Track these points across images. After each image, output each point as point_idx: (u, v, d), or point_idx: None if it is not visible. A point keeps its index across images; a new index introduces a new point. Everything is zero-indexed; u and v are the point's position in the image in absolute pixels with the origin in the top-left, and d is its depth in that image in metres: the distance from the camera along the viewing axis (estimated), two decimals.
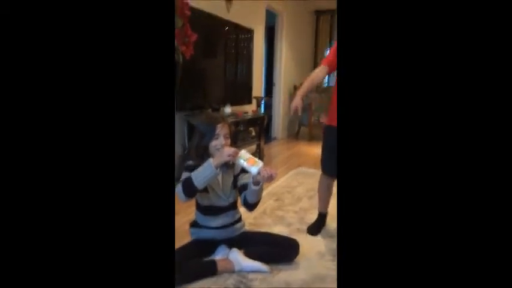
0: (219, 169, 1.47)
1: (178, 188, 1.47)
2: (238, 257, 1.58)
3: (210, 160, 1.45)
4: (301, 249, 1.73)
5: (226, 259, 1.59)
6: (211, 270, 1.54)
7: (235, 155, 1.46)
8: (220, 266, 1.56)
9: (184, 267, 1.48)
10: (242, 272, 1.56)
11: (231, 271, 1.57)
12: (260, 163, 1.47)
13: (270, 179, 1.48)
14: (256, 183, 1.52)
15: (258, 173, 1.45)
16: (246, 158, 1.47)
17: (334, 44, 1.85)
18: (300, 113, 1.82)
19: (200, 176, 1.44)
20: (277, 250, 1.68)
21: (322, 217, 2.13)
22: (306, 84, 1.86)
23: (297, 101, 1.82)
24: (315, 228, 2.06)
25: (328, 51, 1.91)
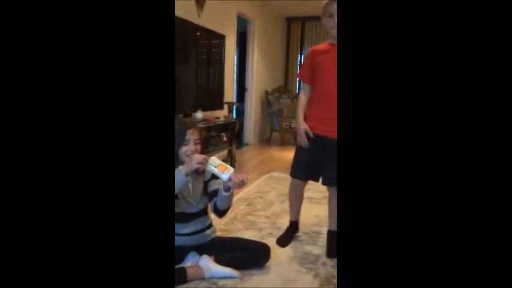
0: (189, 176, 1.45)
1: None
2: (208, 264, 1.57)
3: (180, 168, 1.43)
4: (273, 253, 1.73)
5: (196, 266, 1.57)
6: (181, 278, 1.51)
7: (204, 162, 1.44)
8: (190, 274, 1.53)
9: None
10: (213, 279, 1.55)
11: (201, 278, 1.55)
12: (231, 169, 1.46)
13: (241, 185, 1.48)
14: (227, 189, 1.52)
15: (229, 179, 1.45)
16: (216, 165, 1.46)
17: (305, 56, 1.86)
18: (311, 134, 1.81)
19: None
20: (248, 255, 1.67)
21: (293, 226, 2.06)
22: (300, 108, 1.86)
23: (304, 125, 1.82)
24: (284, 240, 1.98)
25: (301, 65, 1.88)
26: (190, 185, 1.61)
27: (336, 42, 1.70)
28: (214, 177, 1.59)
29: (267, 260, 1.70)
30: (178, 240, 1.63)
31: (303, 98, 1.86)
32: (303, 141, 1.80)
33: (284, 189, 2.96)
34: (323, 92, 1.76)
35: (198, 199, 1.64)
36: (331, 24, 1.69)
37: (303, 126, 1.80)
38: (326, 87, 1.73)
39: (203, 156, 1.47)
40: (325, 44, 1.83)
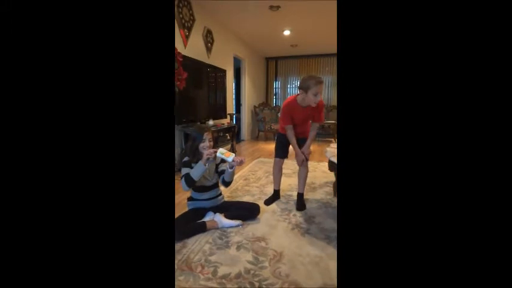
0: (207, 165, 1.45)
1: (182, 182, 1.46)
2: (220, 218, 1.55)
3: (200, 161, 1.44)
4: (261, 210, 1.73)
5: (213, 220, 1.55)
6: (203, 228, 1.50)
7: (213, 153, 1.45)
8: (208, 225, 1.52)
9: (185, 228, 1.44)
10: (224, 228, 1.54)
11: (216, 228, 1.53)
12: (233, 154, 1.47)
13: (241, 163, 1.48)
14: (231, 167, 1.51)
15: (232, 160, 1.45)
16: (223, 152, 1.46)
17: (283, 109, 1.78)
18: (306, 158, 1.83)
19: (195, 172, 1.45)
20: (246, 211, 1.66)
21: (276, 192, 2.02)
22: (292, 140, 1.81)
23: (300, 154, 1.80)
24: (270, 201, 1.96)
25: (282, 117, 1.79)
26: (209, 167, 1.59)
27: (304, 106, 1.69)
28: (223, 161, 1.58)
29: (258, 214, 1.69)
30: (200, 204, 1.61)
31: (291, 135, 1.81)
32: (301, 161, 1.82)
33: (268, 169, 2.96)
34: (296, 126, 1.82)
35: (212, 176, 1.62)
36: (312, 100, 1.62)
37: (301, 156, 1.81)
38: (296, 124, 1.81)
39: (212, 150, 1.47)
40: (293, 101, 1.73)
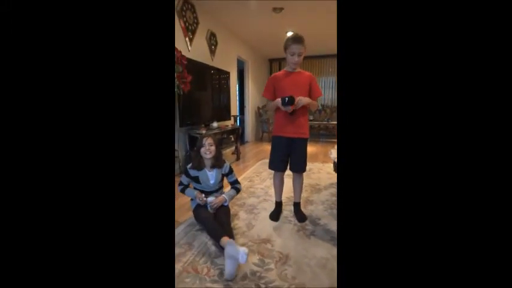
0: (197, 199, 1.57)
1: (178, 187, 1.66)
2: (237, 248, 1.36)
3: (196, 193, 1.58)
4: (266, 211, 1.72)
5: (234, 245, 1.20)
6: (218, 238, 1.33)
7: (204, 200, 1.56)
8: (223, 241, 1.28)
9: (210, 222, 1.44)
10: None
11: (235, 256, 1.28)
12: (213, 201, 1.57)
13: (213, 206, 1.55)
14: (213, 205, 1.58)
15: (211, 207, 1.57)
16: (210, 202, 1.57)
17: (268, 80, 1.64)
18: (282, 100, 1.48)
19: (188, 193, 1.63)
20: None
21: (279, 205, 1.80)
22: (271, 106, 1.61)
23: (276, 100, 1.53)
24: (275, 216, 1.72)
25: (265, 87, 1.62)
26: (213, 176, 1.65)
27: (290, 70, 1.55)
28: (231, 172, 1.69)
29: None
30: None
31: (271, 103, 1.59)
32: (279, 104, 1.49)
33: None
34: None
35: (216, 185, 1.66)
36: (290, 60, 1.50)
37: (275, 101, 1.54)
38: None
39: (205, 199, 1.56)
40: (282, 71, 1.60)
